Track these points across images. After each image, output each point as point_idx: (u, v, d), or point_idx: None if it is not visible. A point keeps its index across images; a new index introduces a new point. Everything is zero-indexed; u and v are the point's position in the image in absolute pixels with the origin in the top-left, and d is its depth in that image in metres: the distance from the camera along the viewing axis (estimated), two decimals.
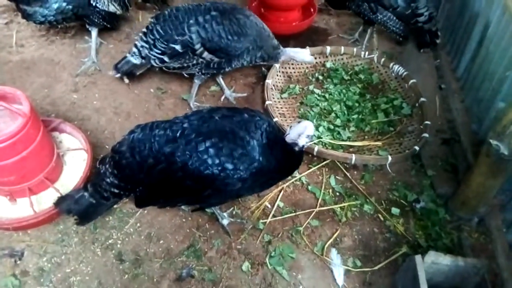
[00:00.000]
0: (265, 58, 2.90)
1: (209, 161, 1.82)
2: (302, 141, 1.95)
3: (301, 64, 3.29)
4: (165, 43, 2.69)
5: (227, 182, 1.87)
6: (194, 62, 2.75)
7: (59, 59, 3.29)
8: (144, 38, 2.76)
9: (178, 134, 1.87)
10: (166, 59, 2.74)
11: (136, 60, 2.83)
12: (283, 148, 1.96)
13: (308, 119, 2.90)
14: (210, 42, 2.65)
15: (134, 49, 2.81)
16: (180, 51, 2.68)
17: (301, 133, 1.93)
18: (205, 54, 2.70)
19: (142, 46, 2.77)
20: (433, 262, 1.91)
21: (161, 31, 2.69)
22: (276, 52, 2.91)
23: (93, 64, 3.24)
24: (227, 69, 2.85)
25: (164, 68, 2.88)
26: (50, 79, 3.14)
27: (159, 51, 2.72)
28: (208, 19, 2.63)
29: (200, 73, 2.85)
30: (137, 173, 1.91)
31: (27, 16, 3.02)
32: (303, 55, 2.96)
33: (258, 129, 1.91)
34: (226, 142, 1.84)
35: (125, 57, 2.89)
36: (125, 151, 1.93)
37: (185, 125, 1.90)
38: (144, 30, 2.78)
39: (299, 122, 1.99)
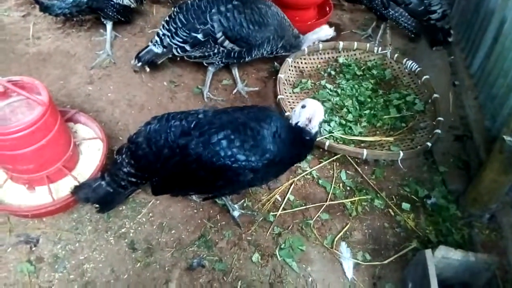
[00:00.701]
0: (286, 48, 2.92)
1: (222, 152, 1.85)
2: (315, 128, 1.93)
3: (314, 59, 3.29)
4: (187, 31, 2.73)
5: (239, 172, 1.89)
6: (215, 51, 2.79)
7: (74, 51, 3.34)
8: (167, 27, 2.80)
9: (192, 126, 1.91)
10: (187, 47, 2.79)
11: (158, 49, 2.88)
12: (295, 138, 1.97)
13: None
14: (232, 31, 2.70)
15: (156, 38, 2.86)
16: (202, 39, 2.73)
17: (311, 117, 1.92)
18: (226, 43, 2.75)
19: (164, 35, 2.82)
20: (443, 256, 1.91)
21: (183, 19, 2.74)
22: (298, 41, 2.94)
23: (107, 57, 3.28)
24: (247, 59, 2.88)
25: (185, 57, 2.92)
26: (66, 71, 3.20)
27: (181, 40, 2.77)
28: (230, 8, 2.67)
29: (220, 62, 2.89)
30: (154, 163, 1.95)
31: (44, 9, 3.07)
32: (325, 32, 3.01)
33: (269, 120, 1.93)
34: (237, 134, 1.86)
35: (147, 46, 2.94)
36: (141, 142, 1.97)
37: (200, 115, 1.94)
38: (167, 18, 2.82)
39: (299, 104, 1.94)
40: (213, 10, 2.69)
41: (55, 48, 3.37)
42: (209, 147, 1.86)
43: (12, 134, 1.93)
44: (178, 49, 2.82)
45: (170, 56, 2.94)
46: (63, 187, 2.30)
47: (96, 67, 3.22)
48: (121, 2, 3.23)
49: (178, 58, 3.02)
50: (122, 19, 3.37)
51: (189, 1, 2.80)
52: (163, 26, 2.83)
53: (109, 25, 3.31)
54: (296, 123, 1.93)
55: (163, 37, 2.82)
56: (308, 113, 1.91)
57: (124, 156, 2.04)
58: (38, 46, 3.39)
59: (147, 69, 3.08)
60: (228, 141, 1.86)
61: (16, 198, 2.27)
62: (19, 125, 1.94)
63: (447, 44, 3.33)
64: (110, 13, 3.22)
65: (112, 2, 3.18)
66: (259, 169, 1.91)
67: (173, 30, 2.77)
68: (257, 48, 2.80)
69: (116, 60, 3.30)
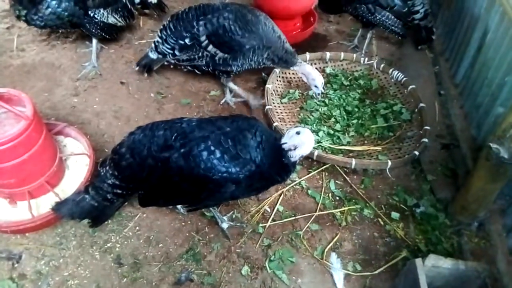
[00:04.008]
0: (274, 60, 2.88)
1: (202, 165, 1.84)
2: (295, 157, 1.96)
3: None
4: (174, 39, 2.84)
5: (221, 184, 1.88)
6: (200, 54, 2.84)
7: (60, 63, 3.30)
8: (159, 34, 2.92)
9: (174, 136, 1.89)
10: (176, 52, 2.88)
11: (154, 55, 3.01)
12: (276, 153, 1.96)
13: (308, 124, 2.91)
14: (215, 36, 2.74)
15: (153, 45, 2.99)
16: (188, 44, 2.81)
17: (298, 146, 1.93)
18: (210, 47, 2.78)
19: (157, 42, 2.94)
20: (433, 265, 1.90)
21: (172, 28, 2.85)
22: (289, 57, 2.87)
23: (93, 68, 3.25)
24: (234, 68, 2.87)
25: (176, 63, 2.99)
26: (51, 83, 3.15)
27: (169, 46, 2.88)
28: (215, 15, 2.73)
29: (208, 68, 2.91)
30: (138, 173, 1.92)
31: (28, 20, 3.01)
32: (317, 80, 2.85)
33: (254, 131, 1.92)
34: (219, 145, 1.85)
35: (147, 52, 3.08)
36: (125, 152, 1.94)
37: (184, 125, 1.92)
38: (161, 27, 2.94)
39: (296, 128, 1.95)
40: (200, 18, 2.75)
41: (40, 60, 3.32)
42: (190, 159, 1.84)
43: None
44: (170, 55, 2.92)
45: (165, 63, 3.06)
46: (46, 203, 2.23)
47: (82, 79, 3.18)
48: (105, 20, 3.17)
49: (172, 66, 3.12)
50: (107, 36, 3.31)
51: (180, 11, 2.89)
52: (158, 33, 2.94)
53: (94, 38, 3.28)
54: (283, 143, 1.93)
55: (157, 44, 2.93)
56: (298, 141, 1.93)
57: (108, 167, 2.00)
58: (22, 58, 3.34)
59: (145, 74, 3.21)
60: (208, 153, 1.84)
61: None
62: (0, 139, 1.89)
63: (430, 42, 3.47)
64: (94, 30, 3.16)
65: (96, 20, 3.11)
66: (241, 181, 1.90)
67: (164, 37, 2.88)
68: (242, 56, 2.79)
69: (102, 71, 3.27)
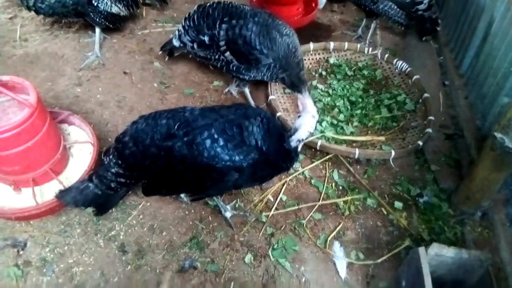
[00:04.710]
0: (286, 83, 2.80)
1: (205, 153, 1.84)
2: (295, 140, 1.98)
3: (305, 59, 3.25)
4: (195, 33, 2.77)
5: (224, 172, 1.88)
6: (217, 57, 2.77)
7: (62, 53, 3.30)
8: (183, 23, 2.87)
9: (177, 125, 1.88)
10: (195, 46, 2.84)
11: (176, 43, 2.97)
12: (280, 140, 1.97)
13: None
14: (234, 44, 2.64)
15: (176, 32, 2.96)
16: (207, 43, 2.74)
17: (297, 129, 1.96)
18: (227, 54, 2.70)
19: (179, 31, 2.90)
20: (436, 254, 1.90)
21: (196, 21, 2.77)
22: (300, 86, 2.73)
23: (96, 58, 3.24)
24: (246, 77, 2.79)
25: (195, 55, 2.96)
26: (54, 73, 3.15)
27: (190, 39, 2.83)
28: (240, 22, 2.59)
29: (224, 70, 2.84)
30: (141, 162, 1.92)
31: (37, 9, 2.99)
32: (311, 111, 2.37)
33: (257, 120, 1.92)
34: (222, 133, 1.85)
35: (171, 37, 3.05)
36: (128, 141, 1.94)
37: (187, 114, 1.92)
38: (186, 15, 2.87)
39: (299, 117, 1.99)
40: (225, 19, 2.64)
41: (43, 50, 3.32)
42: (193, 148, 1.84)
43: None
44: (188, 46, 2.88)
45: (184, 52, 3.03)
46: (49, 191, 2.24)
47: (84, 69, 3.18)
48: (109, 10, 3.17)
49: (190, 56, 3.13)
50: (111, 26, 3.31)
51: (208, 4, 2.78)
52: (182, 22, 2.88)
53: (98, 27, 3.27)
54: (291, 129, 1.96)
55: (180, 33, 2.89)
56: (298, 124, 1.95)
57: (111, 156, 2.00)
58: (25, 48, 3.33)
59: (166, 58, 3.25)
60: (212, 141, 1.84)
61: (1, 199, 2.21)
62: (4, 126, 1.89)
63: (435, 33, 3.45)
64: (97, 20, 3.16)
65: (100, 9, 3.11)
66: (244, 169, 1.90)
67: (186, 28, 2.82)
68: (255, 69, 2.71)
69: (105, 61, 3.26)
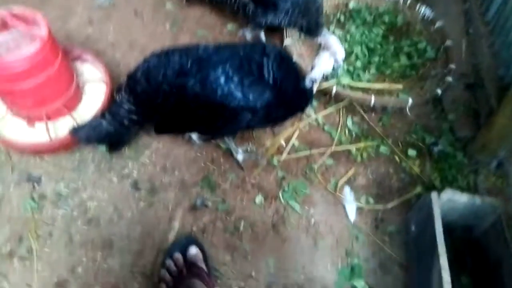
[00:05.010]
0: (303, 29, 2.69)
1: (219, 91, 1.78)
2: (308, 80, 1.92)
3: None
4: None
5: (237, 112, 1.84)
6: (233, 0, 2.66)
7: None
8: None
9: (191, 62, 1.83)
10: None
11: None
12: (297, 81, 1.91)
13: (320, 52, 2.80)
14: None
15: None
16: None
17: (314, 65, 1.90)
18: None
19: None
20: (449, 199, 1.89)
21: None
22: (318, 30, 2.61)
23: None
24: (262, 22, 2.63)
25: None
26: (65, 12, 3.07)
27: None
28: None
29: (240, 13, 2.71)
30: (153, 99, 1.89)
31: None
32: (338, 55, 2.40)
33: (274, 58, 1.84)
34: (237, 69, 1.78)
35: None
36: (140, 78, 1.90)
37: (200, 51, 1.86)
38: None
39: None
40: None
41: None
42: (207, 85, 1.78)
43: (8, 67, 1.86)
44: None
45: None
46: (62, 127, 2.25)
47: (95, 9, 3.09)
48: None
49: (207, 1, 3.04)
50: None
51: None
52: None
53: None
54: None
55: None
56: (316, 61, 1.87)
57: (123, 93, 1.98)
58: None
59: (184, 1, 3.16)
60: (226, 78, 1.77)
61: (15, 133, 2.23)
62: (16, 58, 1.86)
63: None
64: None
65: None
66: (258, 110, 1.84)
67: None
68: (272, 14, 2.55)
69: (116, 1, 3.16)
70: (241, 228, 2.12)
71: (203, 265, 1.89)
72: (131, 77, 1.97)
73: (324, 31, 2.66)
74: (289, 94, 1.89)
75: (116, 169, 2.29)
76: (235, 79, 1.77)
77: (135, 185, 2.24)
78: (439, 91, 2.54)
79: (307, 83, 1.95)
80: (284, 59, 1.88)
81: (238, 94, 1.79)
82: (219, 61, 1.81)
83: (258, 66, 1.80)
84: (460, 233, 2.03)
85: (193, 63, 1.82)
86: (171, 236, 2.07)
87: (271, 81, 1.81)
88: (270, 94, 1.83)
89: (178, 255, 1.92)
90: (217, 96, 1.79)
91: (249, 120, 1.90)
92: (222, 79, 1.78)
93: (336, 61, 2.49)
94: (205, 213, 2.16)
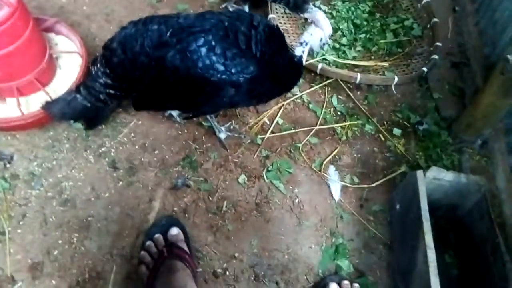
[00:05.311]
0: (289, 4, 2.58)
1: (199, 63, 1.66)
2: (297, 49, 1.86)
3: None
4: None
5: (219, 87, 1.72)
6: None
7: None
8: None
9: (170, 31, 1.70)
10: None
11: None
12: (284, 53, 1.83)
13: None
14: None
15: None
16: None
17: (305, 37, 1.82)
18: None
19: None
20: (434, 177, 1.87)
21: None
22: (305, 6, 2.55)
23: None
24: None
25: None
26: None
27: None
28: None
29: None
30: (130, 71, 1.77)
31: None
32: (325, 31, 2.48)
33: (258, 28, 1.73)
34: (220, 39, 1.66)
35: None
36: (116, 48, 1.77)
37: (181, 20, 1.73)
38: None
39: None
40: None
41: None
42: (187, 57, 1.66)
43: None
44: None
45: None
46: (35, 102, 2.13)
47: None
48: None
49: None
50: None
51: None
52: None
53: None
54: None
55: None
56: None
57: (99, 65, 1.86)
58: None
59: None
60: (208, 48, 1.65)
61: None
62: None
63: None
64: None
65: None
66: (241, 84, 1.73)
67: None
68: None
69: None
70: (224, 208, 2.06)
71: (184, 246, 1.84)
72: (107, 47, 1.83)
73: (311, 6, 2.57)
74: (279, 69, 1.80)
75: (92, 147, 2.19)
76: (218, 50, 1.65)
77: (113, 164, 2.14)
78: (425, 69, 2.50)
79: (297, 57, 1.86)
80: (273, 32, 1.79)
81: (220, 67, 1.67)
82: (201, 30, 1.68)
83: (245, 37, 1.69)
84: (444, 212, 2.03)
85: (173, 33, 1.69)
86: (151, 217, 2.00)
87: (258, 54, 1.70)
88: (255, 68, 1.72)
89: (158, 236, 1.86)
90: (198, 68, 1.67)
91: (232, 95, 1.78)
92: (204, 50, 1.65)
93: (323, 37, 2.45)
94: (187, 193, 2.09)
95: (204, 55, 1.65)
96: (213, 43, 1.65)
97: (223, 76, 1.70)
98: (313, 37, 1.87)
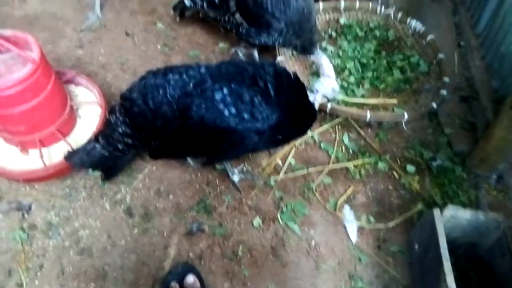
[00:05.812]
0: (297, 49, 2.65)
1: (226, 112, 1.68)
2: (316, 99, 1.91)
3: None
4: None
5: (244, 136, 1.74)
6: (226, 18, 2.64)
7: (62, 13, 3.17)
8: None
9: (193, 82, 1.74)
10: (205, 5, 2.75)
11: (187, 2, 2.88)
12: (303, 99, 1.87)
13: (320, 77, 2.80)
14: (244, 5, 2.48)
15: None
16: (217, 2, 2.63)
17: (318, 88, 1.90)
18: (237, 15, 2.56)
19: None
20: (451, 216, 1.85)
21: None
22: (312, 48, 2.61)
23: (97, 19, 3.12)
24: (256, 41, 2.60)
25: (206, 16, 2.90)
26: (54, 34, 3.04)
27: None
28: None
29: (234, 33, 2.69)
30: (151, 121, 1.80)
31: None
32: (328, 72, 2.54)
33: (283, 76, 1.78)
34: (246, 88, 1.69)
35: None
36: (136, 98, 1.80)
37: (202, 70, 1.78)
38: None
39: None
40: None
41: (42, 11, 3.19)
42: (212, 107, 1.68)
43: None
44: (199, 6, 2.79)
45: (195, 11, 2.95)
46: (56, 152, 2.19)
47: (85, 30, 3.06)
48: None
49: (201, 16, 3.03)
50: None
51: None
52: None
53: None
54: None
55: None
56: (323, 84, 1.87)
57: (118, 114, 1.90)
58: (24, 9, 3.20)
59: (177, 19, 3.16)
60: (234, 97, 1.67)
61: (9, 161, 2.16)
62: (7, 83, 1.80)
63: None
64: None
65: None
66: (265, 131, 1.76)
67: None
68: (266, 34, 2.53)
69: (107, 22, 3.14)
70: (240, 253, 2.05)
71: None
72: (126, 97, 1.87)
73: (317, 50, 2.65)
74: (298, 114, 1.84)
75: (108, 195, 2.22)
76: (244, 98, 1.68)
77: (129, 211, 2.17)
78: (434, 105, 2.52)
79: (313, 102, 1.90)
80: (297, 80, 1.84)
81: (246, 115, 1.70)
82: (226, 79, 1.72)
83: (273, 85, 1.72)
84: (464, 251, 1.98)
85: (196, 83, 1.73)
86: (167, 264, 2.00)
87: (282, 101, 1.74)
88: (279, 115, 1.75)
89: (174, 284, 1.84)
90: (225, 117, 1.69)
91: (255, 142, 1.79)
92: (229, 99, 1.68)
93: (334, 86, 2.38)
94: (202, 238, 2.09)
95: (230, 104, 1.68)
96: (239, 91, 1.69)
97: (249, 124, 1.71)
98: (323, 85, 1.91)
